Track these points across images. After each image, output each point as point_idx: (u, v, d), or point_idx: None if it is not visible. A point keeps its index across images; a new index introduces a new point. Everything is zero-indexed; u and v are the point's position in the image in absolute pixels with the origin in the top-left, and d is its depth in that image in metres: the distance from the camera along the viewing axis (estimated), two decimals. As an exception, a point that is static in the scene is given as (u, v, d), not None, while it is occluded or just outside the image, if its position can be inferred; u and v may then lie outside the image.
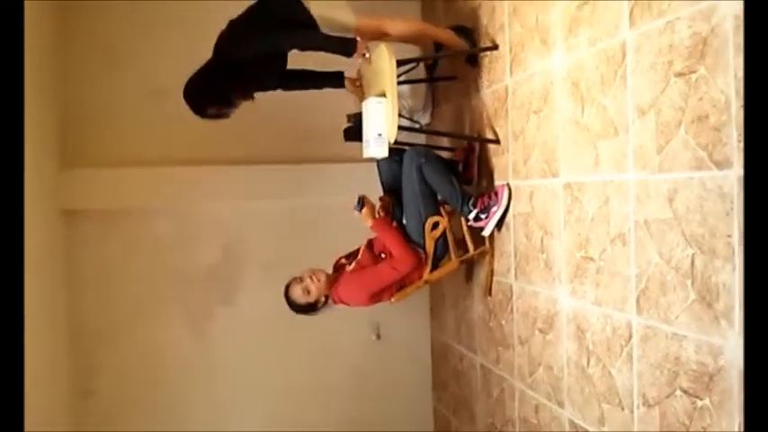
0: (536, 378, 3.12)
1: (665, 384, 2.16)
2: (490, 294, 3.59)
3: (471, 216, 3.33)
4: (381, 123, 3.14)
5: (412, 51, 3.91)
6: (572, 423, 2.80)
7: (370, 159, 3.40)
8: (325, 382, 4.76)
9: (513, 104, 3.23)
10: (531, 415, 3.18)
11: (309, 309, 3.44)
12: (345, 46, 3.24)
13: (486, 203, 3.31)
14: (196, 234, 4.63)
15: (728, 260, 1.87)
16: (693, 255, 2.01)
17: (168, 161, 4.43)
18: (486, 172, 3.53)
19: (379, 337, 4.82)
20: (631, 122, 2.30)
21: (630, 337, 2.35)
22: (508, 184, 3.27)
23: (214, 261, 4.64)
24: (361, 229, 3.48)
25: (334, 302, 3.47)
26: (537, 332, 3.09)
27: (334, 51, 3.28)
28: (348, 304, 3.45)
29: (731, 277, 1.86)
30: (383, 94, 3.16)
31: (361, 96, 3.55)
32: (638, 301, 2.30)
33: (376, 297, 3.41)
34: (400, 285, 3.42)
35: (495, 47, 3.35)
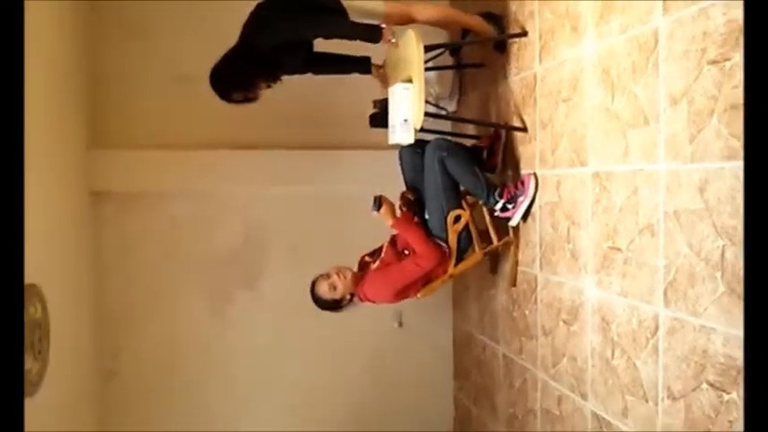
0: (559, 369, 3.09)
1: (691, 377, 2.13)
2: (514, 285, 3.56)
3: (498, 207, 3.30)
4: (407, 109, 3.12)
5: (440, 37, 3.88)
6: (595, 415, 2.78)
7: (395, 146, 3.39)
8: (346, 368, 4.78)
9: (541, 92, 3.19)
10: (554, 406, 3.16)
11: (335, 305, 3.44)
12: (372, 33, 3.22)
13: (512, 193, 3.28)
14: (219, 218, 4.65)
15: (760, 252, 1.83)
16: (724, 246, 1.97)
17: (193, 145, 4.46)
18: (513, 161, 3.50)
19: (401, 324, 4.82)
20: (663, 111, 2.26)
21: (657, 329, 2.32)
22: (535, 174, 3.24)
23: (236, 245, 4.67)
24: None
25: (361, 300, 3.46)
26: (561, 323, 3.06)
27: (360, 38, 3.27)
28: (374, 302, 3.45)
29: (763, 270, 1.83)
30: (410, 80, 3.14)
31: (385, 82, 3.53)
32: (665, 292, 2.27)
33: (402, 294, 3.39)
34: (426, 281, 3.40)
35: (525, 33, 3.31)
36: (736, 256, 1.93)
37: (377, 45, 3.27)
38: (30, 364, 3.24)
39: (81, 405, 4.16)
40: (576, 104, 2.87)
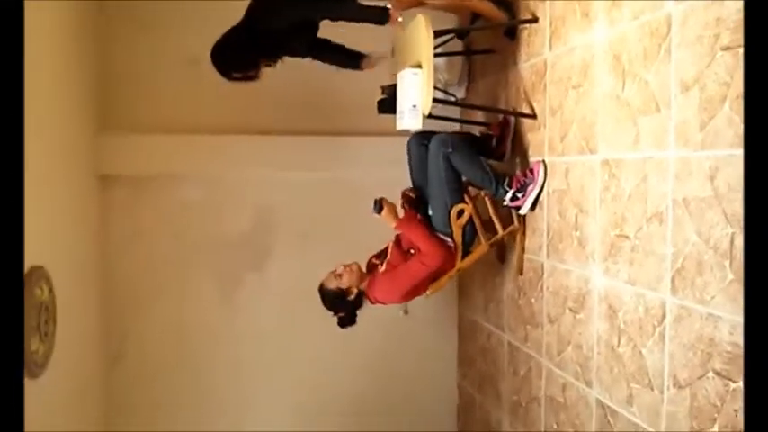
0: (564, 357, 3.09)
1: (698, 365, 2.13)
2: (521, 273, 3.55)
3: (508, 197, 3.28)
4: (416, 95, 3.11)
5: (449, 23, 3.86)
6: (599, 402, 2.77)
7: (404, 133, 3.38)
8: (351, 354, 4.78)
9: (551, 79, 3.17)
10: (558, 393, 3.16)
11: (340, 297, 3.40)
12: (379, 15, 3.23)
13: (521, 182, 3.26)
14: (227, 202, 4.66)
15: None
16: (733, 234, 1.96)
17: (203, 129, 4.46)
18: (521, 148, 3.48)
19: (406, 312, 4.80)
20: (674, 98, 2.24)
21: (664, 316, 2.31)
22: (544, 162, 3.22)
23: (244, 230, 4.68)
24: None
25: (371, 302, 3.45)
26: (567, 311, 3.05)
27: (367, 20, 3.27)
28: (384, 303, 3.44)
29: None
30: (419, 66, 3.13)
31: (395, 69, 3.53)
32: (673, 280, 2.26)
33: (411, 293, 3.39)
34: (434, 277, 3.38)
35: (535, 20, 3.28)
36: (745, 244, 1.92)
37: (384, 27, 3.26)
38: (36, 345, 3.25)
39: (87, 387, 4.18)
40: (586, 91, 2.85)
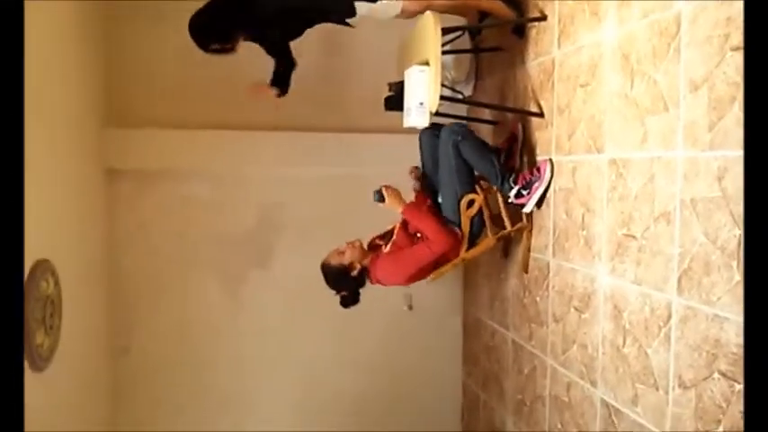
0: (569, 356, 3.08)
1: (703, 366, 2.12)
2: (526, 271, 3.54)
3: (512, 193, 3.27)
4: (423, 92, 3.10)
5: (457, 20, 3.84)
6: (604, 402, 2.77)
7: (410, 130, 3.37)
8: (355, 350, 4.79)
9: (559, 77, 3.16)
10: (563, 393, 3.15)
11: (343, 273, 3.37)
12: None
13: (527, 179, 3.25)
14: (233, 198, 4.66)
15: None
16: (740, 235, 1.95)
17: (208, 125, 4.46)
18: (529, 146, 3.47)
19: (410, 308, 4.82)
20: (683, 97, 2.23)
21: (670, 317, 2.31)
22: (551, 160, 3.21)
23: (250, 226, 4.68)
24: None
25: (372, 282, 3.44)
26: (572, 310, 3.05)
27: (352, 15, 3.32)
28: (385, 285, 3.43)
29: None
30: (426, 63, 3.12)
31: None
32: (679, 281, 2.25)
33: (414, 277, 3.37)
34: (437, 264, 3.38)
35: (544, 18, 3.27)
36: (753, 246, 1.91)
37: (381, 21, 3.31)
38: (41, 338, 3.26)
39: (91, 381, 4.19)
40: (594, 90, 2.84)
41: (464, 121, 3.60)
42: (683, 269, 2.23)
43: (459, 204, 3.29)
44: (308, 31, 3.45)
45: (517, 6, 3.51)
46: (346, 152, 4.57)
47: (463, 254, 3.37)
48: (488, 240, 3.43)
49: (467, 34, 4.05)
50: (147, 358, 4.59)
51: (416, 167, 3.53)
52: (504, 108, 3.83)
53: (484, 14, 3.62)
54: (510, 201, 3.34)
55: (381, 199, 3.33)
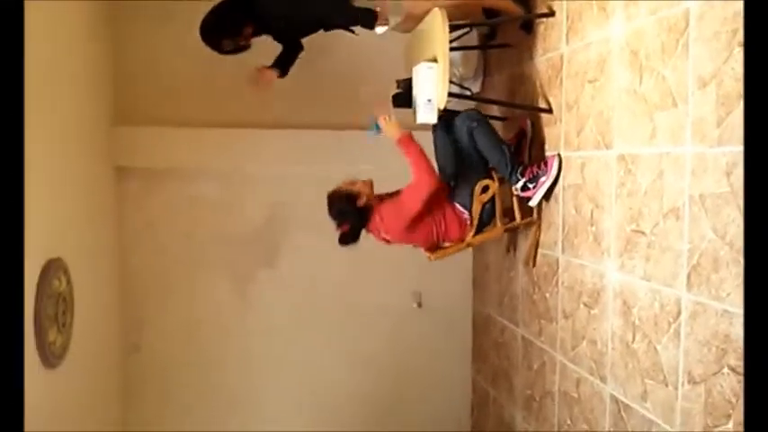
0: (578, 352, 3.09)
1: (713, 362, 2.12)
2: (531, 265, 3.55)
3: (519, 185, 3.27)
4: (431, 89, 3.11)
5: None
6: (613, 398, 2.77)
7: (420, 128, 3.36)
8: (363, 348, 4.80)
9: (567, 73, 3.16)
10: (572, 389, 3.16)
11: (350, 201, 3.28)
12: (367, 18, 3.33)
13: (534, 173, 3.25)
14: (242, 197, 4.69)
15: (787, 237, 1.81)
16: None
17: (217, 122, 4.47)
18: (537, 142, 3.47)
19: (420, 305, 4.83)
20: (691, 93, 2.22)
21: (679, 313, 2.31)
22: (559, 155, 3.21)
23: (258, 225, 4.70)
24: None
25: (375, 232, 3.36)
26: (582, 306, 3.05)
27: (354, 24, 3.42)
28: (386, 238, 3.36)
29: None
30: (434, 60, 3.12)
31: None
32: (688, 276, 2.25)
33: (411, 232, 3.29)
34: (439, 242, 3.37)
35: (552, 13, 3.27)
36: (762, 241, 1.90)
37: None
38: (53, 336, 3.30)
39: (103, 378, 4.23)
40: (602, 86, 2.84)
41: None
42: (692, 265, 2.23)
43: (473, 189, 3.28)
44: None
45: (524, 2, 3.51)
46: (355, 150, 4.56)
47: (469, 239, 3.37)
48: (497, 230, 3.42)
49: (474, 31, 4.04)
50: (155, 356, 4.62)
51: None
52: (512, 104, 3.83)
53: (492, 12, 3.62)
54: (516, 193, 3.34)
55: (378, 130, 3.27)
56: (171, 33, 4.44)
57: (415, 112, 3.28)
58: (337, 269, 4.67)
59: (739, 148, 1.99)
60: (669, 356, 2.37)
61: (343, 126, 4.56)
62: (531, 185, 3.26)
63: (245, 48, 3.39)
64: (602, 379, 2.86)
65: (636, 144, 2.58)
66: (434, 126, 3.41)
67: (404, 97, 3.52)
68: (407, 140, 3.24)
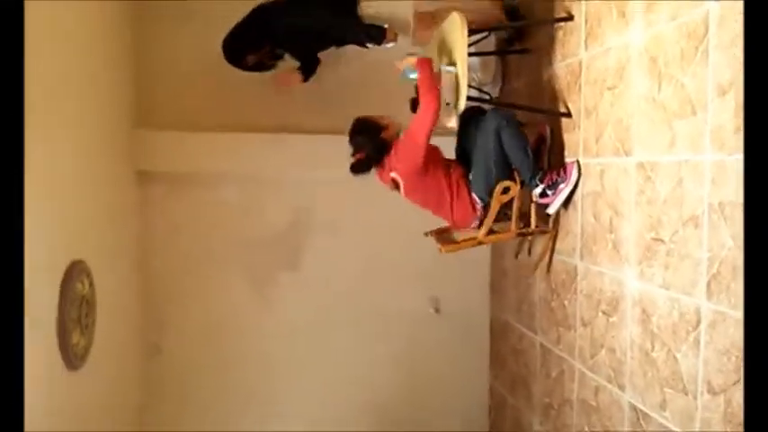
0: (597, 360, 3.07)
1: (733, 371, 2.10)
2: (548, 272, 3.54)
3: (537, 191, 3.25)
4: (450, 92, 3.11)
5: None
6: (632, 406, 2.75)
7: (437, 132, 3.36)
8: (382, 353, 4.80)
9: (586, 80, 3.14)
10: (591, 397, 3.14)
11: (374, 129, 3.34)
12: (376, 35, 3.58)
13: (553, 179, 3.24)
14: (263, 201, 4.71)
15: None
16: (770, 240, 1.93)
17: (239, 127, 4.50)
18: (557, 148, 3.46)
19: (438, 311, 4.83)
20: (710, 101, 2.21)
21: (698, 322, 2.29)
22: (578, 161, 3.20)
23: (280, 229, 4.72)
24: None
25: (384, 172, 3.40)
26: (600, 314, 3.03)
27: (364, 40, 3.62)
28: (396, 179, 3.36)
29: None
30: (452, 64, 3.13)
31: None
32: (708, 285, 2.23)
33: (422, 175, 3.27)
34: (447, 212, 3.36)
35: (570, 18, 3.26)
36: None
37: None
38: (76, 338, 3.34)
39: (125, 379, 4.27)
40: (621, 93, 2.82)
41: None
42: (711, 273, 2.21)
43: (493, 186, 3.25)
44: None
45: (514, 16, 3.63)
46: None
47: (481, 237, 3.35)
48: (510, 233, 3.40)
49: (492, 36, 4.04)
50: (176, 359, 4.65)
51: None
52: (531, 108, 3.80)
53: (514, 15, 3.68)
54: (534, 200, 3.31)
55: (412, 74, 3.24)
56: (192, 36, 4.46)
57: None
58: (355, 274, 4.68)
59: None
60: (688, 365, 2.35)
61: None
62: (549, 192, 3.24)
63: (269, 67, 3.64)
64: (621, 387, 2.84)
65: (655, 151, 2.56)
66: (463, 114, 3.35)
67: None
68: (424, 64, 3.19)
